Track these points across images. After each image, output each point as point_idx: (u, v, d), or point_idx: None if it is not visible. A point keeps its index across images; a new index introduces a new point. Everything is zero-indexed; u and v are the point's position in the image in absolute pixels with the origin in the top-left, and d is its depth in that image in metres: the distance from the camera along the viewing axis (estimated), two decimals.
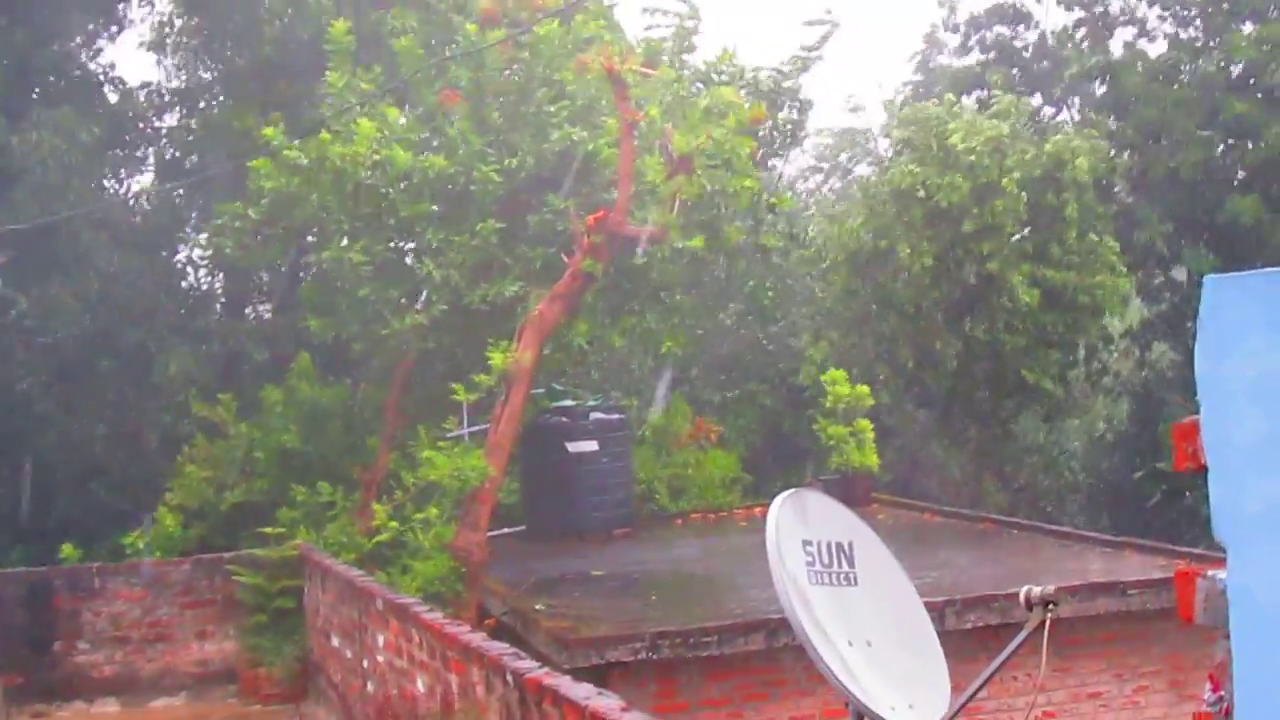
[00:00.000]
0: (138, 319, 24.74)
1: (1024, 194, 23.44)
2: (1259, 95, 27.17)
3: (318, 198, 17.84)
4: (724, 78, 21.25)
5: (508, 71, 18.43)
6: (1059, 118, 30.73)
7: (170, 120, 27.55)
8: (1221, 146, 27.81)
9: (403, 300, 18.40)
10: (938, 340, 24.50)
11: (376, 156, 17.21)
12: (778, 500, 6.52)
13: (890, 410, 25.70)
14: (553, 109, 18.23)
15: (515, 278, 17.71)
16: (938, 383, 25.31)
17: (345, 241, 18.18)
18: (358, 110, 17.84)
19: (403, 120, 18.31)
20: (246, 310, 27.80)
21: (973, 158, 23.34)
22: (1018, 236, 24.01)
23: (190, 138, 26.97)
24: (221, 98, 26.46)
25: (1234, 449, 3.03)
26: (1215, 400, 3.08)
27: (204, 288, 27.78)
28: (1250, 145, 27.33)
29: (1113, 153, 26.77)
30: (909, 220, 24.17)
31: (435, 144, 18.29)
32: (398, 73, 18.82)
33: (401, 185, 17.66)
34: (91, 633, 18.77)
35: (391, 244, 18.45)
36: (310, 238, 20.83)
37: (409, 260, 18.82)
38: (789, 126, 28.19)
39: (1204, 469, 3.12)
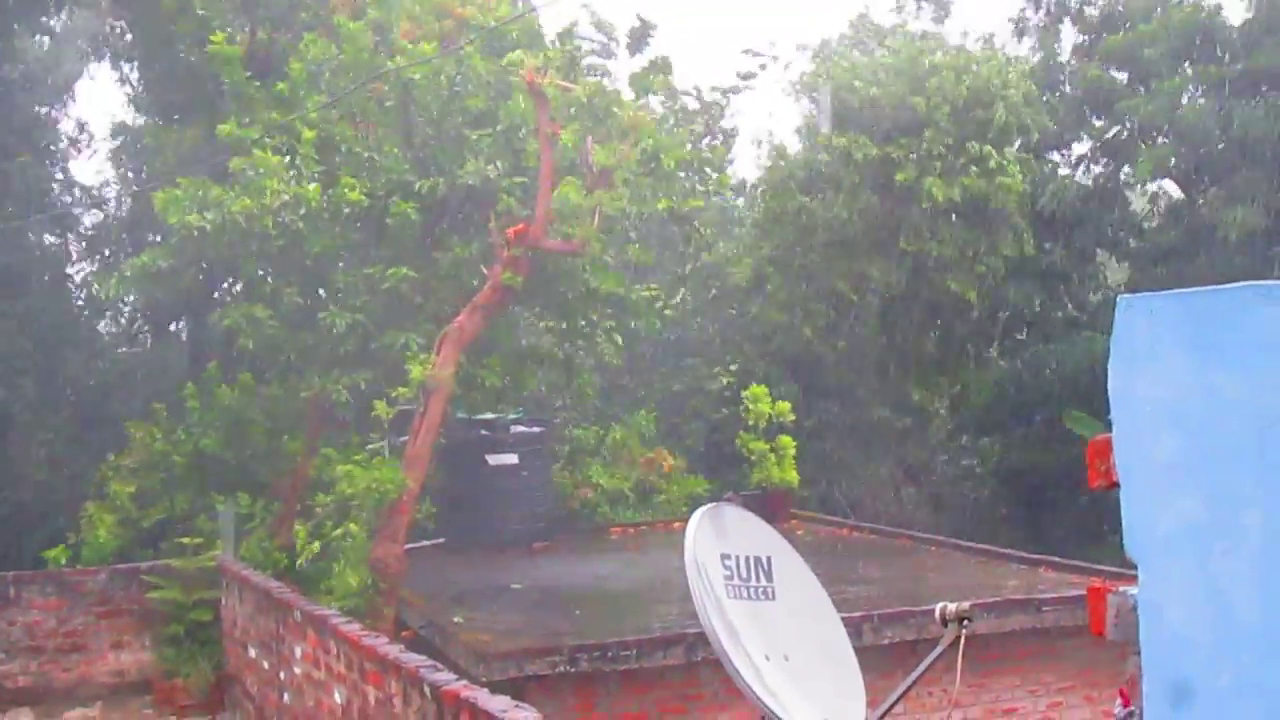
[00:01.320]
0: (50, 334, 24.63)
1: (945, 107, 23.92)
2: None
3: (226, 241, 17.40)
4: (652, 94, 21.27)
5: (435, 88, 18.32)
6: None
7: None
8: None
9: (314, 346, 18.21)
10: (868, 263, 24.80)
11: (286, 197, 16.88)
12: (696, 515, 6.54)
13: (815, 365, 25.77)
14: (474, 135, 18.12)
15: (426, 319, 17.59)
16: (868, 312, 25.51)
17: (243, 308, 17.93)
18: (264, 143, 17.56)
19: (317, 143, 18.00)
20: (170, 321, 27.62)
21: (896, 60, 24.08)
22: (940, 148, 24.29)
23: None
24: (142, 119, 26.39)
25: (1146, 468, 3.07)
26: (1128, 419, 3.12)
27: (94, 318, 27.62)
28: None
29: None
30: (846, 116, 24.54)
31: (349, 170, 18.02)
32: (305, 97, 18.53)
33: (310, 219, 17.32)
34: (5, 642, 18.59)
35: (298, 291, 18.15)
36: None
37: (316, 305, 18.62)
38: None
39: (1116, 486, 3.16)
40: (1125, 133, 26.88)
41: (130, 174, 27.07)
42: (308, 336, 18.08)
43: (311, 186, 17.01)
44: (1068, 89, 27.69)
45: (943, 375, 27.31)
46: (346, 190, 17.13)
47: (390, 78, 18.10)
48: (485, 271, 17.03)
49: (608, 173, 16.65)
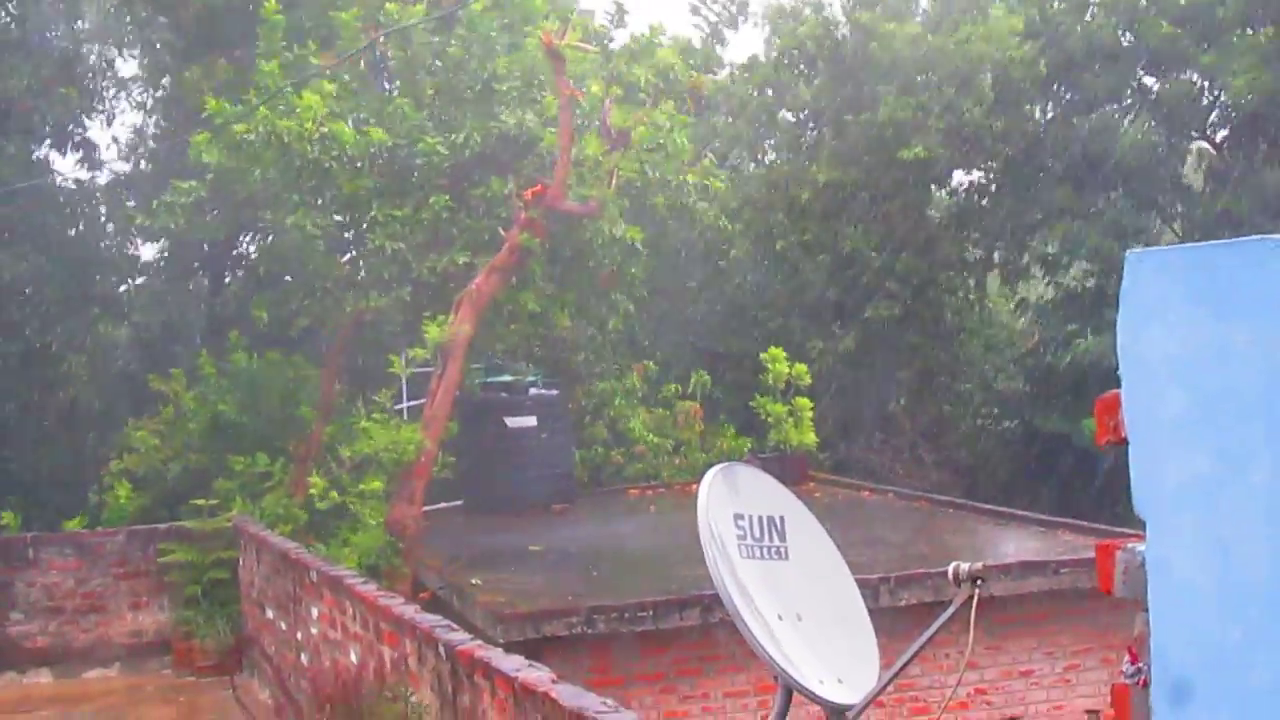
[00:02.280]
0: (76, 291, 24.56)
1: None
2: None
3: (260, 172, 17.76)
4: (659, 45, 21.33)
5: (438, 47, 18.41)
6: None
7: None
8: None
9: (355, 276, 18.41)
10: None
11: (323, 129, 17.14)
12: (709, 474, 6.51)
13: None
14: (501, 88, 18.22)
15: (463, 248, 17.75)
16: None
17: (297, 214, 18.11)
18: (289, 90, 17.75)
19: (336, 95, 18.19)
20: (189, 281, 27.56)
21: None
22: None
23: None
24: (151, 65, 26.33)
25: (1155, 423, 3.04)
26: (1136, 374, 3.09)
27: (142, 258, 27.50)
28: None
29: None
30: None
31: (371, 120, 18.30)
32: (332, 47, 18.74)
33: (343, 160, 17.58)
34: (25, 603, 18.66)
35: (336, 218, 18.42)
36: (251, 211, 20.73)
37: (349, 234, 18.80)
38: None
39: (1125, 442, 3.13)
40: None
41: (159, 121, 26.92)
42: (342, 265, 18.29)
43: (344, 127, 17.25)
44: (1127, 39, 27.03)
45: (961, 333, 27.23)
46: (371, 133, 17.35)
47: (394, 38, 18.29)
48: (503, 233, 17.03)
49: (625, 134, 16.61)
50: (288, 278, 21.39)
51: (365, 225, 18.36)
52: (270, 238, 21.44)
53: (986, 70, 24.95)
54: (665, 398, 23.23)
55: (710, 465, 6.77)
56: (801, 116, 26.14)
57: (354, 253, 18.95)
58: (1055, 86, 26.87)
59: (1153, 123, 26.07)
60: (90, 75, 26.53)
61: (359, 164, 17.73)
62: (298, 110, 17.19)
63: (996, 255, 28.06)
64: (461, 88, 18.47)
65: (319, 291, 18.69)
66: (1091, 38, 25.62)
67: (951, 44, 24.65)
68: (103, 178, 26.87)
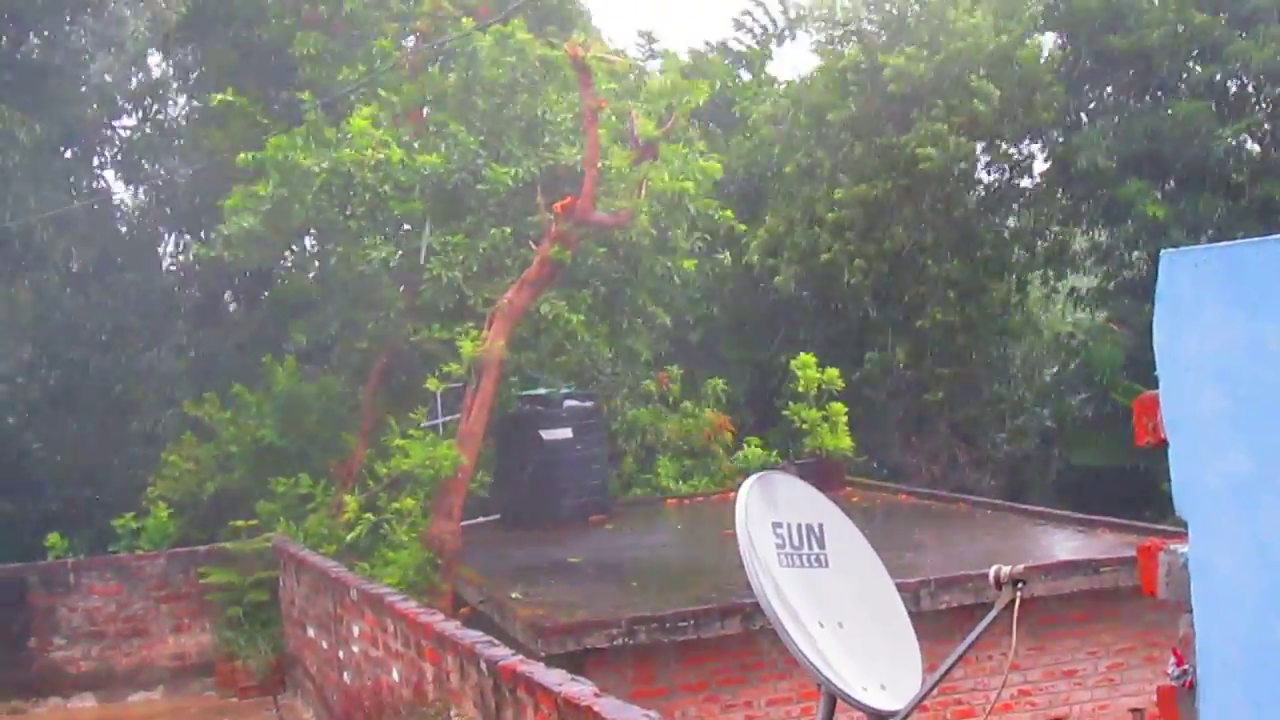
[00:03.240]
0: (118, 322, 24.79)
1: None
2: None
3: (312, 199, 17.87)
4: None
5: (497, 70, 18.56)
6: None
7: (129, 121, 27.44)
8: None
9: (414, 304, 18.62)
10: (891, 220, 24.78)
11: (379, 156, 17.29)
12: (746, 483, 6.50)
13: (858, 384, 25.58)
14: (554, 120, 18.45)
15: (514, 279, 17.88)
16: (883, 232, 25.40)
17: (370, 240, 18.27)
18: (324, 118, 17.99)
19: (382, 123, 18.36)
20: (226, 309, 27.72)
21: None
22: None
23: (149, 142, 26.89)
24: (183, 97, 26.56)
25: (1194, 423, 3.04)
26: (1174, 375, 3.08)
27: (182, 291, 27.65)
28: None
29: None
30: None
31: (417, 145, 18.47)
32: (375, 72, 18.96)
33: (395, 184, 17.79)
34: (67, 628, 18.77)
35: (392, 248, 18.57)
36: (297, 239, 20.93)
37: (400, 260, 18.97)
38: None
39: (1165, 444, 3.12)
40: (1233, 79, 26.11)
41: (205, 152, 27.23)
42: (398, 293, 18.44)
43: (396, 150, 17.44)
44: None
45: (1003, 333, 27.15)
46: (424, 158, 17.53)
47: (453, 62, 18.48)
48: (534, 247, 17.07)
49: (653, 144, 16.62)
50: (314, 299, 21.54)
51: (417, 255, 18.47)
52: (317, 264, 21.49)
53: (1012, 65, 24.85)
54: (688, 411, 23.21)
55: (743, 474, 6.77)
56: (841, 136, 25.93)
57: (404, 284, 19.04)
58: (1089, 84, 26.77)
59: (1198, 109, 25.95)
60: (146, 107, 26.86)
61: (412, 188, 17.86)
62: (351, 136, 17.36)
63: (1040, 248, 27.84)
64: (513, 116, 18.62)
65: (380, 320, 18.81)
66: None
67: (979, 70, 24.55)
68: (155, 207, 27.12)
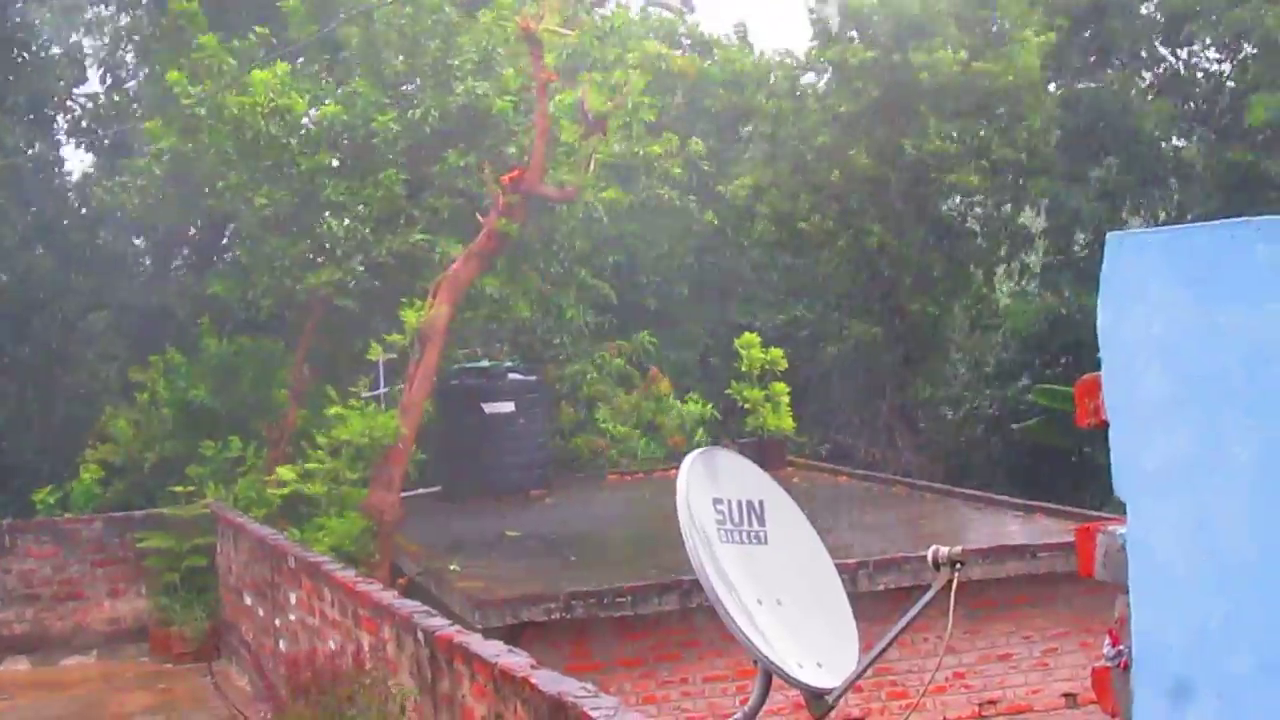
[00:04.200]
0: (57, 281, 24.60)
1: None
2: None
3: (215, 151, 17.85)
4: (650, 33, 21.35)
5: (401, 23, 18.53)
6: None
7: (90, 88, 27.25)
8: None
9: (311, 256, 18.46)
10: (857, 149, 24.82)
11: (275, 103, 17.25)
12: (688, 458, 6.49)
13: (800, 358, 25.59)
14: (455, 62, 18.34)
15: (421, 229, 17.82)
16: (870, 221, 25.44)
17: (260, 192, 18.19)
18: (235, 68, 17.97)
19: (290, 76, 18.32)
20: (173, 269, 27.54)
21: None
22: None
23: (105, 108, 26.71)
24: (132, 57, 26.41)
25: (1135, 405, 3.04)
26: (1117, 357, 3.09)
27: (123, 248, 27.45)
28: None
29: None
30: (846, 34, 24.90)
31: (327, 101, 18.48)
32: (286, 36, 18.94)
33: (300, 136, 17.74)
34: (1, 590, 18.64)
35: (294, 198, 18.44)
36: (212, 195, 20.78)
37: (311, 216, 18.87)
38: None
39: (1105, 425, 3.13)
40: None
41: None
42: (304, 245, 18.34)
43: (298, 99, 17.42)
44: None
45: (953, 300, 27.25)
46: (328, 108, 17.53)
47: (352, 23, 18.44)
48: (480, 219, 17.00)
49: (603, 119, 16.59)
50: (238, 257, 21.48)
51: (322, 207, 18.40)
52: (230, 221, 21.45)
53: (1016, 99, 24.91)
54: (621, 372, 23.19)
55: (686, 449, 6.78)
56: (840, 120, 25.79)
57: (310, 232, 18.91)
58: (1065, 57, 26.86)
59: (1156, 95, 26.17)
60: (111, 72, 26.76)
61: (318, 142, 17.84)
62: (250, 89, 17.32)
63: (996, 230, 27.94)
64: (421, 66, 18.59)
65: (277, 271, 18.68)
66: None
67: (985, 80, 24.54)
68: (97, 167, 26.97)
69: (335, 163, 18.61)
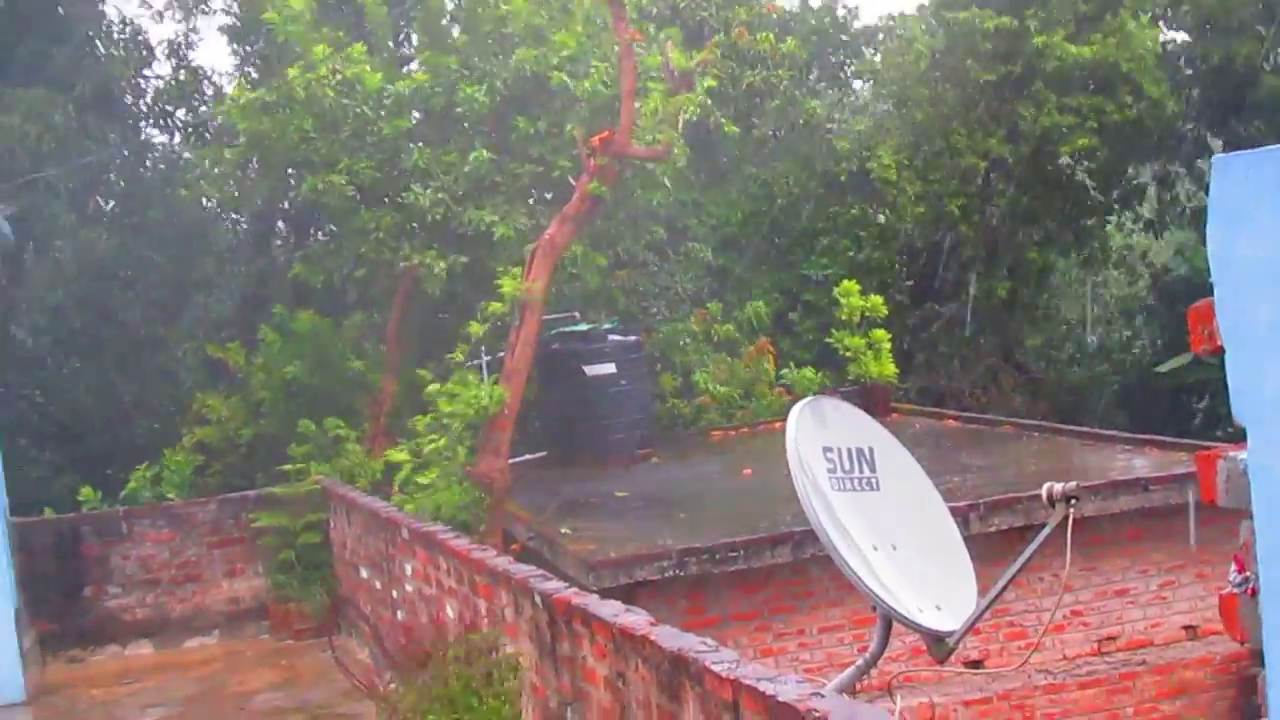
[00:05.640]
0: (150, 264, 24.86)
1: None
2: None
3: (294, 129, 17.97)
4: None
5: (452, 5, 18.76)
6: None
7: (162, 70, 27.44)
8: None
9: (403, 226, 18.63)
10: (990, 136, 24.68)
11: (340, 75, 17.39)
12: (796, 408, 6.51)
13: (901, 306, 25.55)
14: (509, 31, 18.56)
15: (505, 198, 17.96)
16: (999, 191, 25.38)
17: (338, 166, 18.32)
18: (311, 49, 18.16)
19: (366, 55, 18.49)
20: (272, 246, 27.74)
21: None
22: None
23: (179, 90, 26.92)
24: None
25: (1250, 330, 3.01)
26: (1229, 281, 3.06)
27: (221, 231, 27.67)
28: None
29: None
30: None
31: (404, 72, 18.72)
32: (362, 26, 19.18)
33: (381, 104, 17.90)
34: (121, 577, 18.89)
35: (374, 169, 18.54)
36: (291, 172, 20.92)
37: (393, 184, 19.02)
38: None
39: (1221, 351, 3.11)
40: None
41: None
42: (391, 213, 18.46)
43: (368, 72, 17.58)
44: None
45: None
46: (414, 79, 17.68)
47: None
48: (572, 181, 17.02)
49: (689, 76, 16.55)
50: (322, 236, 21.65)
51: (408, 176, 18.53)
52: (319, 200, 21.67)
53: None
54: (728, 339, 23.14)
55: (792, 399, 6.78)
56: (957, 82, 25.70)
57: (395, 205, 19.06)
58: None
59: None
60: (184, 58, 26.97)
61: (398, 108, 18.01)
62: (314, 64, 17.54)
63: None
64: (479, 39, 18.74)
65: (371, 243, 18.79)
66: None
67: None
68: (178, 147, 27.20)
69: (411, 125, 18.76)
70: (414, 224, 18.56)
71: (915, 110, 25.64)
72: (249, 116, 18.48)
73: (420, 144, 18.36)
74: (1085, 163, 26.13)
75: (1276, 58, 26.28)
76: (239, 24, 24.82)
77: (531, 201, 18.81)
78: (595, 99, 18.19)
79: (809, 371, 22.27)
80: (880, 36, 27.53)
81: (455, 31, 19.21)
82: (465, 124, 18.53)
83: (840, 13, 27.70)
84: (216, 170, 19.59)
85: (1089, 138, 24.66)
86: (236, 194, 21.06)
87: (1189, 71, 27.12)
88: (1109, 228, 28.58)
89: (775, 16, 23.66)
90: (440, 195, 17.99)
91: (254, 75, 20.37)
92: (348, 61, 17.72)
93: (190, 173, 23.47)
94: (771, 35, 19.58)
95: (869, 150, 25.58)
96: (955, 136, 25.11)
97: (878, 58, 27.25)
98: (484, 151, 17.95)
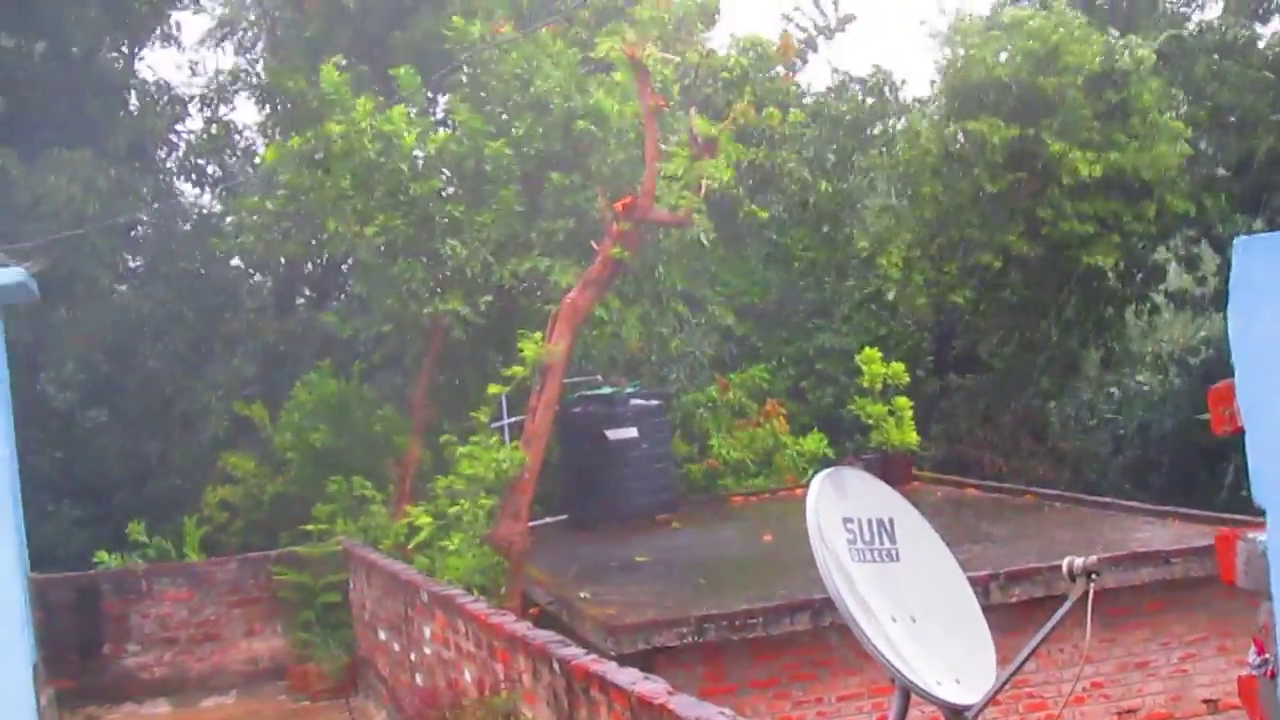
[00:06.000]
0: (186, 323, 24.98)
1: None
2: None
3: (332, 184, 18.06)
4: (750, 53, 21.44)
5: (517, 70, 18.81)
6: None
7: (193, 125, 27.63)
8: None
9: (435, 279, 18.67)
10: (1008, 232, 24.56)
11: (378, 129, 17.50)
12: (817, 478, 6.51)
13: (967, 325, 25.57)
14: (552, 87, 18.68)
15: (540, 253, 18.00)
16: (1013, 281, 25.32)
17: (358, 226, 18.40)
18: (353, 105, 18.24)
19: (411, 111, 18.55)
20: (294, 309, 27.83)
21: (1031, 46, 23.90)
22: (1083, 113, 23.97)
23: (210, 143, 27.10)
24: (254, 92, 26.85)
25: (1270, 411, 3.01)
26: (1250, 362, 3.06)
27: (250, 288, 27.79)
28: None
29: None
30: (981, 99, 24.44)
31: (434, 133, 18.80)
32: (397, 89, 19.25)
33: (410, 163, 17.98)
34: (140, 634, 18.92)
35: (408, 225, 18.60)
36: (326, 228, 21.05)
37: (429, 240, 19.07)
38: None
39: (1242, 432, 3.10)
40: None
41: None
42: (422, 266, 18.52)
43: (404, 126, 17.69)
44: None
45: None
46: (439, 138, 17.79)
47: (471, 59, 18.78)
48: (595, 246, 17.06)
49: (712, 142, 16.60)
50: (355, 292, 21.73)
51: (441, 230, 18.59)
52: (348, 256, 21.63)
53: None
54: (738, 406, 23.22)
55: (803, 471, 6.78)
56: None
57: (434, 257, 19.14)
58: None
59: None
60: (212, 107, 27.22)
61: (430, 168, 18.09)
62: (353, 116, 17.60)
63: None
64: (525, 101, 18.83)
65: (402, 296, 18.81)
66: None
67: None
68: (217, 202, 27.37)
69: (449, 190, 18.83)
70: (445, 273, 18.62)
71: (925, 207, 25.63)
72: (288, 166, 18.57)
73: (452, 203, 18.42)
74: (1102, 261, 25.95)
75: None
76: (265, 89, 25.10)
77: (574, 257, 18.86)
78: (623, 159, 18.36)
79: (816, 436, 22.36)
80: (898, 129, 27.45)
81: (506, 95, 19.27)
82: (494, 184, 18.62)
83: (870, 100, 27.78)
84: (254, 218, 19.59)
85: (1112, 252, 24.58)
86: (273, 243, 21.05)
87: (1220, 171, 27.05)
88: (1128, 314, 28.34)
89: (793, 89, 23.67)
90: (478, 247, 18.10)
91: (282, 132, 20.49)
92: (386, 121, 17.82)
93: (223, 223, 23.56)
94: (777, 112, 19.54)
95: (880, 242, 25.71)
96: (970, 229, 25.08)
97: (893, 151, 27.13)
98: (513, 189, 18.19)
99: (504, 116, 19.25)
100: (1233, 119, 26.36)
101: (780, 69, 18.73)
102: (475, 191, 18.74)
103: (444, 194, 18.84)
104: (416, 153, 18.56)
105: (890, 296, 25.72)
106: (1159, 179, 23.97)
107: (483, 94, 19.41)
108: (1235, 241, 3.08)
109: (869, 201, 27.35)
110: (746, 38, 19.00)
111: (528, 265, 18.10)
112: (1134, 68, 23.89)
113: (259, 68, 26.79)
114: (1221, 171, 26.97)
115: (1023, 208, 24.62)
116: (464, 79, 19.63)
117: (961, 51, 25.13)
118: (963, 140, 24.85)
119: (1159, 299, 28.36)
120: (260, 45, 27.54)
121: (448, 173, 19.01)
